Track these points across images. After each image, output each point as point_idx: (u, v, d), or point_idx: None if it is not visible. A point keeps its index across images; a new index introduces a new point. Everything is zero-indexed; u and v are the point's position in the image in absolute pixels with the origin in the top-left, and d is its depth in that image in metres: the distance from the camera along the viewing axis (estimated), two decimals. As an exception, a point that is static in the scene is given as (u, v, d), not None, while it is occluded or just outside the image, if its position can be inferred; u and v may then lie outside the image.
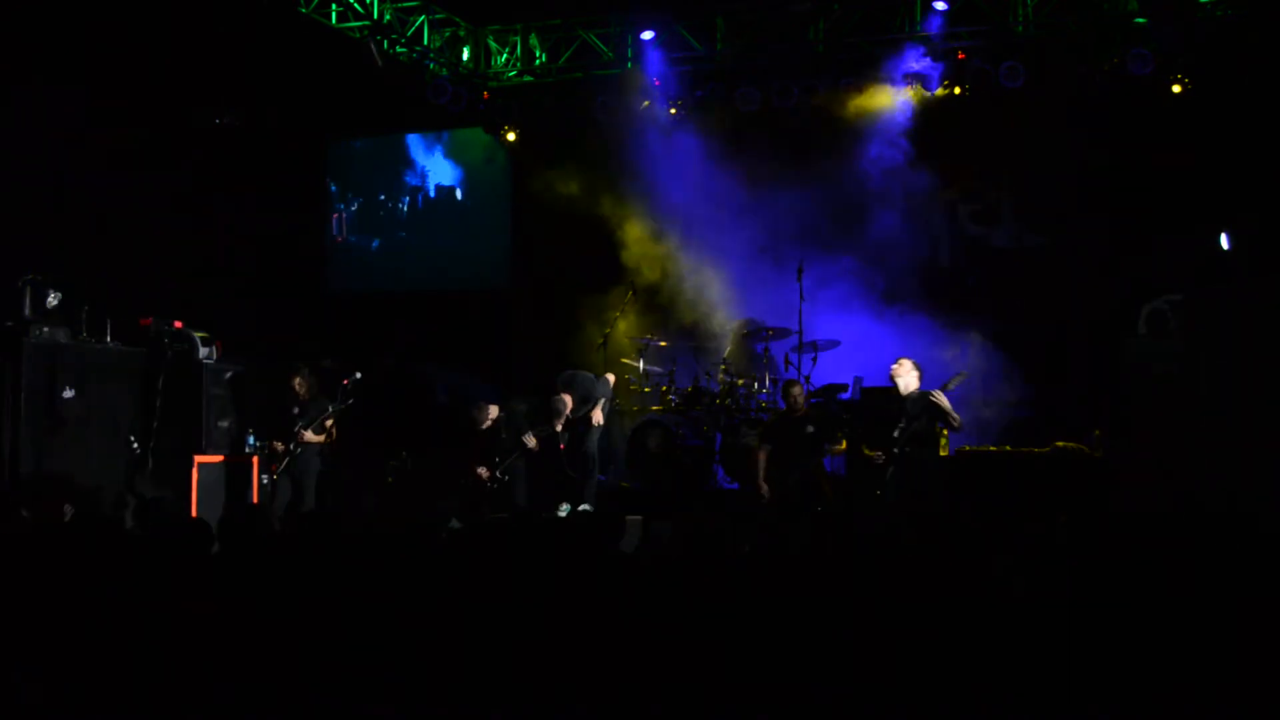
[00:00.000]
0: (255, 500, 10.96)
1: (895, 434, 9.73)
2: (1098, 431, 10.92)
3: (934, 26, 12.99)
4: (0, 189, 12.33)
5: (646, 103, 14.07)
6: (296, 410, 10.97)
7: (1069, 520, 5.35)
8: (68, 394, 10.39)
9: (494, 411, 11.61)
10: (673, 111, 14.09)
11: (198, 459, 10.92)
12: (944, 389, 9.73)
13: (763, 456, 10.69)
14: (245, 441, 11.38)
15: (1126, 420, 9.82)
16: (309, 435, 10.88)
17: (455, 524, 8.94)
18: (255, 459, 11.23)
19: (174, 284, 13.26)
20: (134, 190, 13.74)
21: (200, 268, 14.23)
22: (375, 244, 16.24)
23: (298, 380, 11.04)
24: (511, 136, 15.05)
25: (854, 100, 13.49)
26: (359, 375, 11.08)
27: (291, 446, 10.84)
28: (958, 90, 13.24)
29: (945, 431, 10.19)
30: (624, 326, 13.24)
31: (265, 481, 11.09)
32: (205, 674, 4.14)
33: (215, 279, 14.30)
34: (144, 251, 13.54)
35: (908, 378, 9.98)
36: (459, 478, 11.25)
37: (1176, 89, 12.51)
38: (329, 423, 10.99)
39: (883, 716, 3.90)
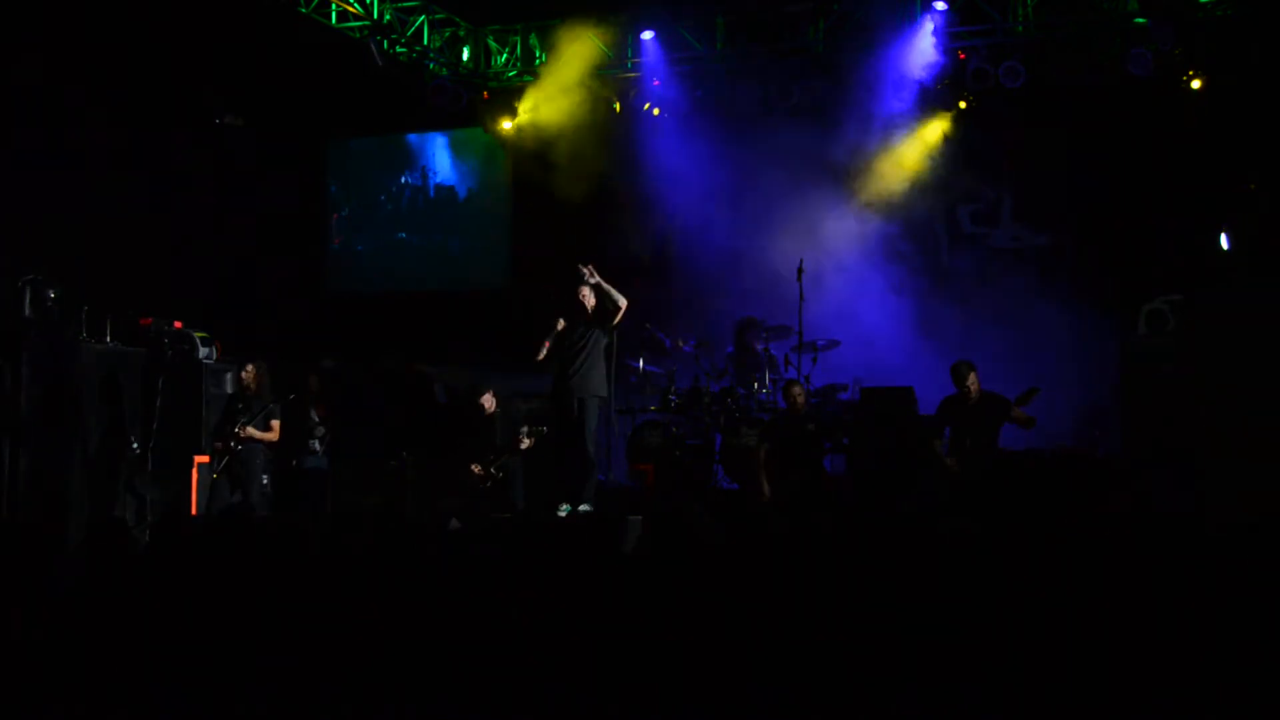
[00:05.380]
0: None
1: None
2: (1097, 431, 10.94)
3: (933, 26, 12.97)
4: (0, 189, 12.33)
5: (647, 105, 14.09)
6: (241, 405, 10.63)
7: (1067, 524, 5.35)
8: (68, 395, 10.39)
9: (491, 402, 11.54)
10: (664, 112, 14.09)
11: (198, 459, 10.91)
12: (1019, 403, 9.95)
13: (762, 456, 10.71)
14: None
15: (1126, 421, 9.83)
16: (251, 431, 10.48)
17: (455, 524, 8.93)
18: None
19: (174, 284, 13.25)
20: (134, 190, 13.73)
21: (201, 268, 14.22)
22: (375, 244, 16.23)
23: (248, 373, 10.67)
24: (511, 137, 15.02)
25: (852, 101, 13.47)
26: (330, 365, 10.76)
27: (233, 444, 10.46)
28: (957, 90, 13.23)
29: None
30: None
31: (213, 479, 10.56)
32: (206, 673, 4.15)
33: (216, 279, 14.29)
34: (144, 251, 13.53)
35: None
36: (458, 477, 11.22)
37: (1175, 88, 12.50)
38: (274, 421, 10.61)
39: (882, 716, 3.90)
